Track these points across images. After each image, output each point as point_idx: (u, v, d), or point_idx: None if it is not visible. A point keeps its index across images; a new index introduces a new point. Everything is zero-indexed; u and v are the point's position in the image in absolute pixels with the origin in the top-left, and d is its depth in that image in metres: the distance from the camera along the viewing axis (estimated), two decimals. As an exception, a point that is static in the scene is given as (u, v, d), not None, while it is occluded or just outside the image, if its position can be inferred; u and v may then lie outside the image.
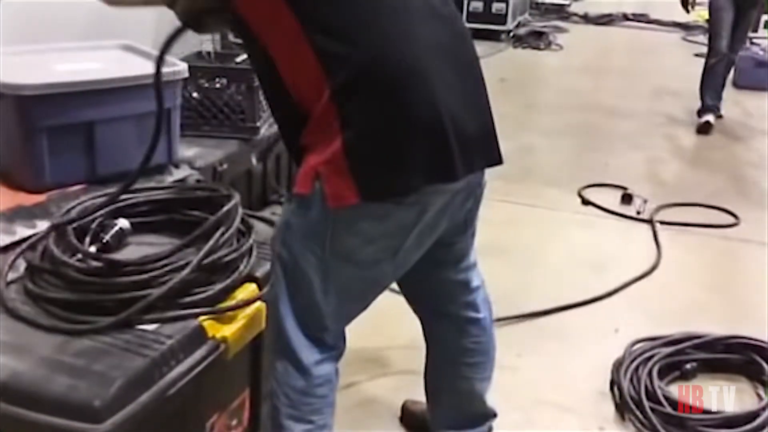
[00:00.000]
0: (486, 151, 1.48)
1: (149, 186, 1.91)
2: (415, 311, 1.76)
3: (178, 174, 2.18)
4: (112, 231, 1.71)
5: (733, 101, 5.70)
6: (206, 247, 1.57)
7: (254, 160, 2.68)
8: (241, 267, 1.64)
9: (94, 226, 1.68)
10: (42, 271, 1.52)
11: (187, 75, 2.08)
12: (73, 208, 1.70)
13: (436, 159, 1.35)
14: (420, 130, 1.34)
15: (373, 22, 1.33)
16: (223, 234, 1.62)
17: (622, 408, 2.06)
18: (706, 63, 4.99)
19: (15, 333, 1.40)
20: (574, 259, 3.00)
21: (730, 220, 3.47)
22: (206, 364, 1.46)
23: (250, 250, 1.69)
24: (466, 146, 1.39)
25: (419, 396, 2.05)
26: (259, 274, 1.68)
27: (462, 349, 1.73)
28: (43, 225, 1.70)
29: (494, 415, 1.81)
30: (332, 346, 1.53)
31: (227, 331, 1.53)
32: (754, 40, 6.91)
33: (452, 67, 1.40)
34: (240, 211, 1.73)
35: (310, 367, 1.49)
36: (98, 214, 1.70)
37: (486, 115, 1.47)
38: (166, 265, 1.51)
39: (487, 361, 1.76)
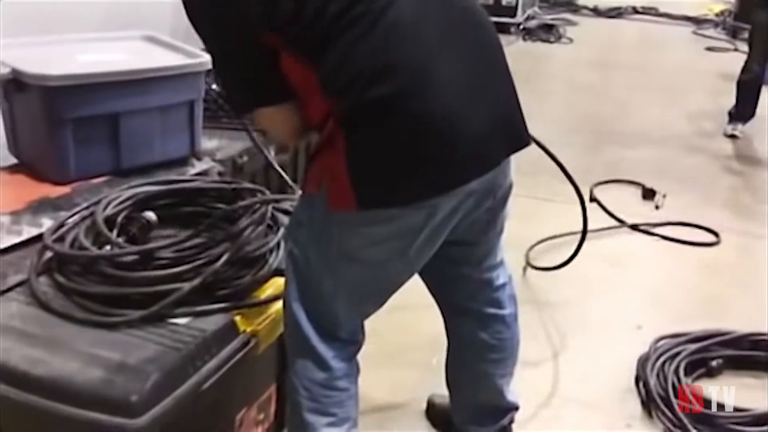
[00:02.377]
0: (505, 141, 1.42)
1: (174, 178, 1.90)
2: (439, 307, 1.74)
3: (200, 166, 2.17)
4: (139, 223, 1.70)
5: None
6: (238, 241, 1.55)
7: (272, 153, 2.67)
8: (270, 260, 1.63)
9: (120, 219, 1.68)
10: (73, 263, 1.51)
11: (210, 66, 2.05)
12: (101, 200, 1.69)
13: (439, 169, 1.32)
14: (421, 141, 1.30)
15: (373, 31, 1.28)
16: (254, 228, 1.62)
17: (648, 405, 2.05)
18: (739, 77, 4.74)
19: (48, 326, 1.39)
20: (593, 254, 2.97)
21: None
22: (238, 358, 1.45)
23: (278, 243, 1.67)
24: (476, 146, 1.34)
25: (443, 389, 2.05)
26: (287, 267, 1.67)
27: (483, 345, 1.71)
28: (67, 217, 1.69)
29: (516, 408, 1.80)
30: (348, 341, 1.52)
31: (258, 325, 1.52)
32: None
33: (461, 53, 1.35)
34: (270, 204, 1.73)
35: (329, 361, 1.47)
36: (125, 205, 1.70)
37: (503, 98, 1.42)
38: (197, 258, 1.50)
39: (509, 357, 1.74)
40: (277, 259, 1.64)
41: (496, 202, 1.50)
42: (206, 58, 2.03)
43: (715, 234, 3.19)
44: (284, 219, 1.77)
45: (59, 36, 2.06)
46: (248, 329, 1.50)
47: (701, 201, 3.60)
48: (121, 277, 1.46)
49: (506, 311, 1.69)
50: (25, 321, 1.39)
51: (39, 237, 1.67)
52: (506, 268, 1.71)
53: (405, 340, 2.31)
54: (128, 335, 1.37)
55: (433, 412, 1.99)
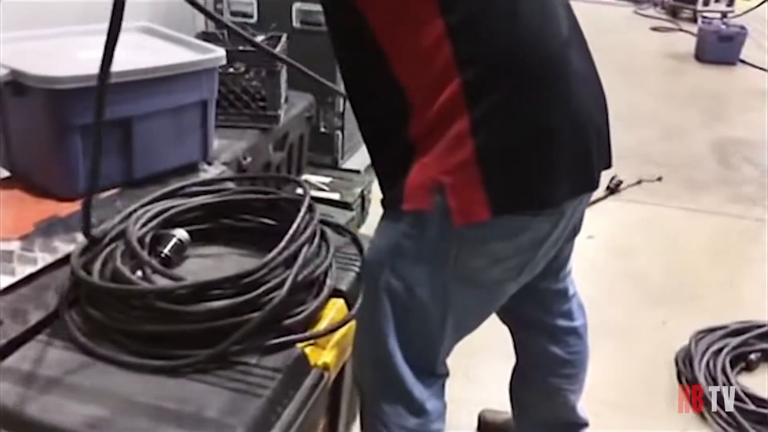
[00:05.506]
0: (609, 147, 1.33)
1: (197, 188, 1.69)
2: (505, 321, 1.61)
3: (212, 171, 1.96)
4: (171, 243, 1.50)
5: (699, 75, 5.75)
6: (299, 260, 1.38)
7: (271, 150, 2.48)
8: (329, 281, 1.46)
9: (148, 239, 1.47)
10: (112, 297, 1.30)
11: (225, 62, 1.85)
12: (129, 217, 1.48)
13: (580, 164, 1.19)
14: (563, 131, 1.16)
15: (515, 10, 1.16)
16: (309, 246, 1.44)
17: (698, 406, 1.98)
18: None
19: (97, 375, 1.18)
20: (599, 245, 2.89)
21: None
22: (315, 398, 1.28)
23: (332, 261, 1.51)
24: (601, 145, 1.24)
25: (485, 401, 1.93)
26: (344, 287, 1.51)
27: (556, 360, 1.59)
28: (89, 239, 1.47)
29: (586, 425, 1.69)
30: (444, 375, 1.37)
31: (327, 357, 1.35)
32: (705, 14, 6.99)
33: (581, 57, 1.24)
34: (317, 214, 1.55)
35: (424, 404, 1.31)
36: (153, 224, 1.49)
37: (607, 110, 1.31)
38: (258, 285, 1.32)
39: (582, 371, 1.63)
40: (334, 279, 1.47)
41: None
42: (220, 53, 1.84)
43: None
44: (328, 231, 1.60)
45: (49, 30, 1.81)
46: (318, 362, 1.33)
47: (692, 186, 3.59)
48: (174, 311, 1.26)
49: (578, 322, 1.58)
50: (68, 371, 1.19)
51: (56, 264, 1.46)
52: (573, 278, 1.60)
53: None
54: (195, 381, 1.19)
55: (486, 429, 1.87)
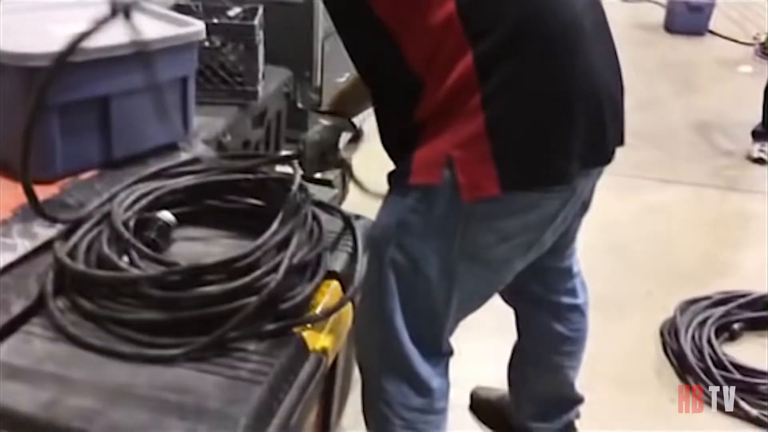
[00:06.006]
0: (623, 124, 1.30)
1: (177, 168, 1.64)
2: (508, 302, 1.59)
3: (192, 151, 1.90)
4: (156, 226, 1.45)
5: (669, 46, 5.77)
6: (293, 242, 1.33)
7: (250, 128, 2.41)
8: (322, 263, 1.42)
9: (132, 222, 1.42)
10: (100, 285, 1.25)
11: (204, 36, 1.78)
12: (112, 200, 1.42)
13: (593, 137, 1.16)
14: (577, 103, 1.14)
15: None
16: (304, 225, 1.40)
17: (686, 378, 1.99)
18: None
19: (90, 367, 1.13)
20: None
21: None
22: (315, 383, 1.25)
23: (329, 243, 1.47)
24: (616, 119, 1.22)
25: (477, 379, 1.92)
26: (338, 268, 1.47)
27: (559, 337, 1.59)
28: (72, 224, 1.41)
29: (582, 401, 1.70)
30: (449, 352, 1.35)
31: (325, 341, 1.31)
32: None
33: (596, 27, 1.21)
34: (310, 194, 1.51)
35: (429, 382, 1.29)
36: (137, 207, 1.44)
37: (623, 84, 1.29)
38: (252, 269, 1.27)
39: (582, 349, 1.64)
40: (327, 260, 1.44)
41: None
42: (200, 26, 1.76)
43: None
44: (319, 212, 1.56)
45: (16, 3, 1.72)
46: (317, 346, 1.29)
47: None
48: (167, 298, 1.21)
49: (580, 300, 1.58)
50: (59, 363, 1.13)
51: (37, 251, 1.40)
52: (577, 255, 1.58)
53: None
54: (192, 370, 1.14)
55: (479, 407, 1.86)
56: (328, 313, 1.33)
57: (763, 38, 5.79)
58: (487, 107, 1.09)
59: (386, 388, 1.30)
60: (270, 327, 1.24)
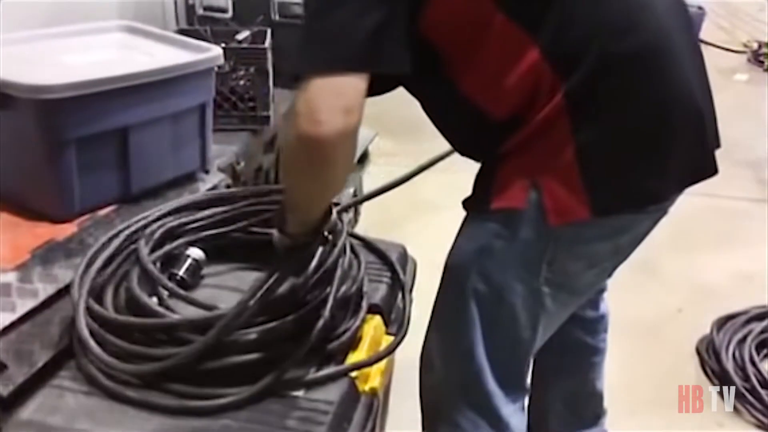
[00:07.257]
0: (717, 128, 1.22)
1: (205, 198, 1.54)
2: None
3: (210, 181, 1.81)
4: (186, 264, 1.36)
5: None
6: (337, 275, 1.25)
7: (261, 153, 2.34)
8: (365, 296, 1.34)
9: (159, 260, 1.33)
10: (134, 331, 1.16)
11: (222, 61, 1.70)
12: (136, 238, 1.33)
13: (692, 155, 1.10)
14: (675, 119, 1.07)
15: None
16: (343, 260, 1.32)
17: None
18: None
19: (130, 422, 1.04)
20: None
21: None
22: (370, 429, 1.16)
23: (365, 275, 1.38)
24: (713, 133, 1.15)
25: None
26: (378, 301, 1.39)
27: (590, 350, 1.55)
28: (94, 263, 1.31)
29: (605, 413, 1.63)
30: (527, 388, 1.27)
31: (374, 381, 1.23)
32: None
33: (685, 38, 1.14)
34: (345, 224, 1.42)
35: (508, 419, 1.21)
36: (162, 243, 1.35)
37: (711, 90, 1.21)
38: (298, 306, 1.19)
39: (604, 360, 1.60)
40: (369, 294, 1.35)
41: None
42: (217, 52, 1.69)
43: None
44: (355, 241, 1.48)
45: (22, 33, 1.63)
46: (366, 387, 1.21)
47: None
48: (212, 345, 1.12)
49: (603, 311, 1.54)
50: (95, 420, 1.04)
51: (58, 294, 1.30)
52: None
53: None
54: (242, 421, 1.05)
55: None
56: (382, 355, 1.24)
57: (755, 46, 5.81)
58: (577, 134, 1.03)
59: (462, 425, 1.22)
60: (324, 372, 1.15)
